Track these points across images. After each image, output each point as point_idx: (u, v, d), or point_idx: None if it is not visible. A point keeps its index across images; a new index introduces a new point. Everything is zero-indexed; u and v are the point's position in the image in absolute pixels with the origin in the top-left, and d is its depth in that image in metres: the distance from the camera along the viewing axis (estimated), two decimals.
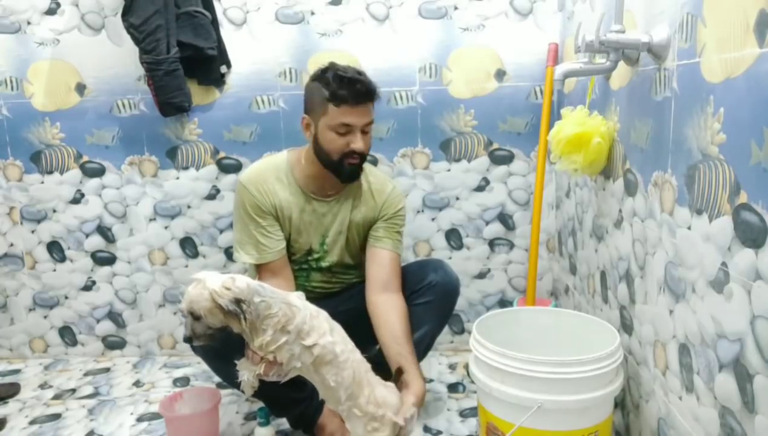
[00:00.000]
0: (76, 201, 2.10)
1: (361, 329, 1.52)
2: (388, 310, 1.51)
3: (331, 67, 1.46)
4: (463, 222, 2.07)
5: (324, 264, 1.65)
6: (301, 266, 1.65)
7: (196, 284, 1.16)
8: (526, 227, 2.05)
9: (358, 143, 1.47)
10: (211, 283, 1.14)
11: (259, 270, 1.56)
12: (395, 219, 1.63)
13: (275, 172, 1.57)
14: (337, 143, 1.47)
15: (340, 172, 1.52)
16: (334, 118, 1.44)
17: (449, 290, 1.61)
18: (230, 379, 1.59)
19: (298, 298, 1.25)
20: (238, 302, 1.13)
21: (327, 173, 1.53)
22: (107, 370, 2.11)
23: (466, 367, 1.61)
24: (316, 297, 1.67)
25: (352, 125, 1.45)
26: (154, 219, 2.10)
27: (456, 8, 1.93)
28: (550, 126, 1.55)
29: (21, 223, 2.13)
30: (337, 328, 1.28)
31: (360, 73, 1.46)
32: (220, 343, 1.42)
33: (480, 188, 2.04)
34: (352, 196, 1.61)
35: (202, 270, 1.23)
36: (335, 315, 1.64)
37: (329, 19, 1.95)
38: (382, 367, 1.42)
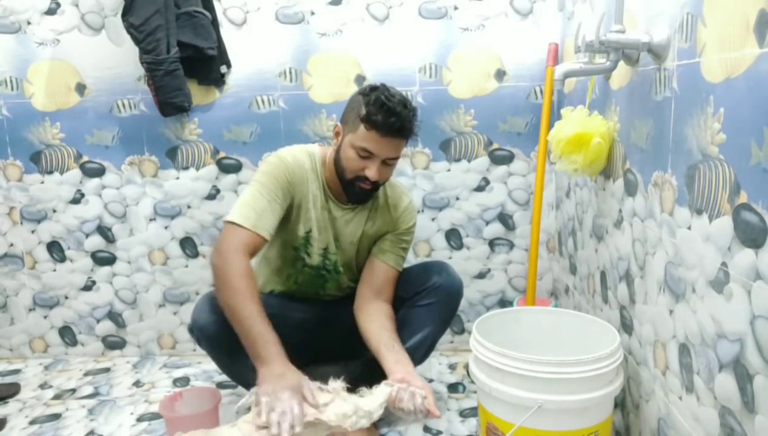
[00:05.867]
0: (76, 201, 2.10)
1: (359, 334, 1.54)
2: (377, 311, 1.52)
3: (380, 88, 1.42)
4: (463, 222, 2.07)
5: (341, 268, 1.64)
6: (319, 270, 1.64)
7: None
8: (526, 227, 2.05)
9: (372, 171, 1.42)
10: None
11: (234, 239, 1.39)
12: (405, 235, 1.62)
13: (310, 161, 1.54)
14: (354, 164, 1.43)
15: (349, 191, 1.50)
16: (360, 139, 1.41)
17: (452, 292, 1.61)
18: (235, 375, 1.60)
19: None
20: None
21: None
22: (107, 370, 2.11)
23: (466, 367, 1.61)
24: (323, 303, 1.68)
25: (374, 153, 1.42)
26: (154, 219, 2.10)
27: (456, 8, 1.93)
28: (550, 126, 1.55)
29: (21, 223, 2.13)
30: None
31: (406, 106, 1.40)
32: (228, 337, 1.43)
33: (480, 188, 2.04)
34: (368, 207, 1.60)
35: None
36: (338, 319, 1.64)
37: (329, 19, 1.95)
38: (378, 371, 1.42)
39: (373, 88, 1.43)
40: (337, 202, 1.57)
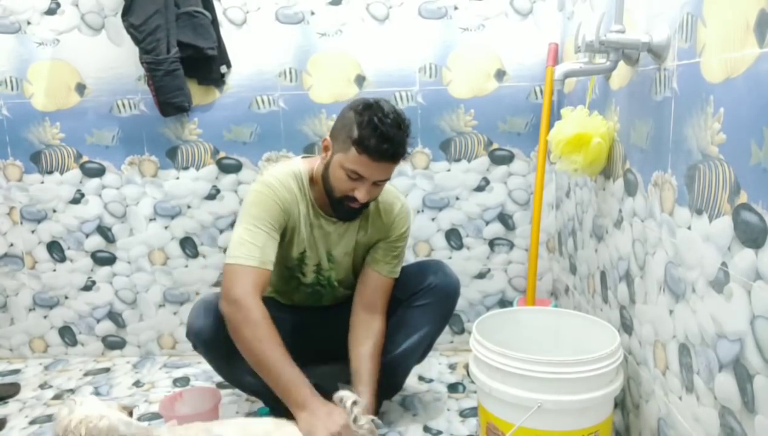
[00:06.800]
0: (76, 201, 2.10)
1: None
2: (365, 330, 1.52)
3: (374, 108, 1.35)
4: (463, 222, 2.07)
5: (335, 282, 1.63)
6: (314, 287, 1.63)
7: (68, 406, 1.14)
8: (526, 226, 2.05)
9: (361, 193, 1.38)
10: (76, 413, 1.12)
11: (243, 282, 1.36)
12: (398, 241, 1.59)
13: (296, 182, 1.49)
14: (343, 184, 1.39)
15: (337, 209, 1.47)
16: (351, 161, 1.35)
17: (449, 292, 1.60)
18: (231, 379, 1.60)
19: (168, 431, 1.23)
20: None
21: None
22: (107, 370, 2.11)
23: (466, 367, 1.61)
24: (321, 306, 1.68)
25: (364, 177, 1.37)
26: (154, 219, 2.10)
27: (456, 8, 1.93)
28: (550, 126, 1.55)
29: (21, 223, 2.13)
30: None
31: (400, 127, 1.35)
32: (223, 342, 1.43)
33: (480, 188, 2.04)
34: (359, 217, 1.56)
35: (88, 397, 1.21)
36: (335, 321, 1.64)
37: (329, 19, 1.95)
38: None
39: (367, 107, 1.36)
40: (328, 217, 1.54)
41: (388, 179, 1.44)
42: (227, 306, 1.36)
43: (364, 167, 1.36)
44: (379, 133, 1.32)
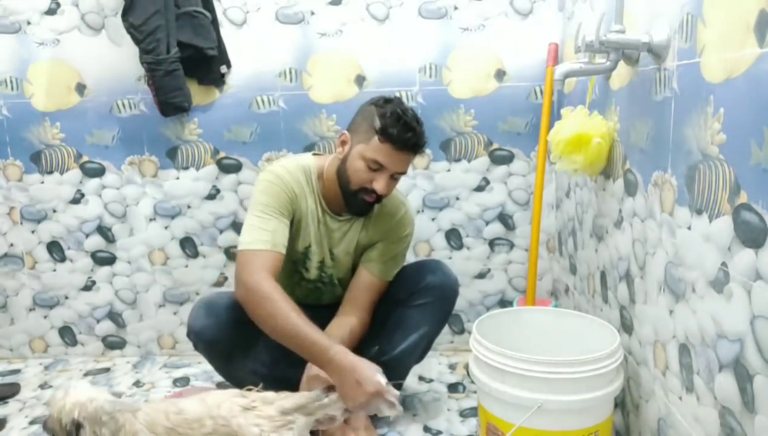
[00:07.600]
0: (76, 201, 2.10)
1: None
2: (338, 324, 1.52)
3: (395, 102, 1.42)
4: (463, 222, 2.07)
5: (336, 280, 1.64)
6: (316, 284, 1.64)
7: (62, 391, 1.21)
8: (526, 227, 2.05)
9: (380, 184, 1.42)
10: (70, 396, 1.19)
11: (253, 264, 1.37)
12: (397, 243, 1.60)
13: (305, 175, 1.51)
14: (362, 175, 1.42)
15: (351, 203, 1.48)
16: (373, 151, 1.40)
17: (448, 292, 1.60)
18: (231, 378, 1.60)
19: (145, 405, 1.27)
20: (77, 425, 1.16)
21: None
22: (107, 370, 2.11)
23: (466, 367, 1.61)
24: (320, 306, 1.68)
25: (385, 166, 1.41)
26: (154, 219, 2.10)
27: (456, 8, 1.93)
28: (550, 126, 1.55)
29: (21, 223, 2.13)
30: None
31: (418, 121, 1.42)
32: (224, 342, 1.42)
33: (480, 188, 2.04)
34: (368, 214, 1.57)
35: (79, 382, 1.29)
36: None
37: (329, 19, 1.95)
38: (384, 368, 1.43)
39: (387, 101, 1.42)
40: (333, 215, 1.55)
41: (404, 173, 1.47)
42: (240, 290, 1.38)
43: (386, 156, 1.39)
44: (403, 122, 1.37)
